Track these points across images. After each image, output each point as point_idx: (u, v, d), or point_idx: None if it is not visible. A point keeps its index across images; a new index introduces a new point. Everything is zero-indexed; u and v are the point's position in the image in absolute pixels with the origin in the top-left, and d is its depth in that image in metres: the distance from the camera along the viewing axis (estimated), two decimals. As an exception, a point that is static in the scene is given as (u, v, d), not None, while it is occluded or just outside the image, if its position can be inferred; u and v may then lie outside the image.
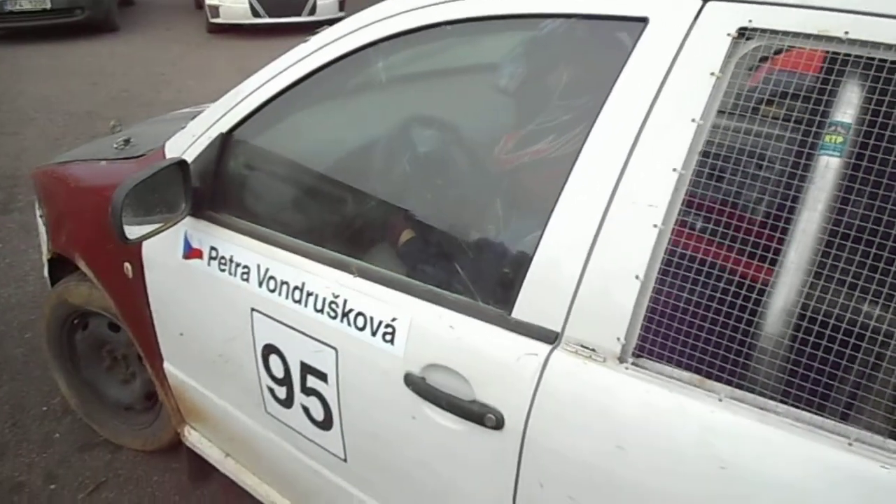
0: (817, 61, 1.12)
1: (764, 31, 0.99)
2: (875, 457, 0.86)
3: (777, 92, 1.48)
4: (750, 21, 1.00)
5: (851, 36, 0.92)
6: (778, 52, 1.52)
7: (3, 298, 3.32)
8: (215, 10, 9.91)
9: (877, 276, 0.91)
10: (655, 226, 1.01)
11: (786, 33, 0.97)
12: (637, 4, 1.09)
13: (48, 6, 9.38)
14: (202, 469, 2.09)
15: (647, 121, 1.04)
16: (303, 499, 1.71)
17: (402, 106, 1.62)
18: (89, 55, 8.80)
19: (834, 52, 0.98)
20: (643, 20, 1.08)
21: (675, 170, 1.00)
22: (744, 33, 1.00)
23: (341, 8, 10.26)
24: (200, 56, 8.89)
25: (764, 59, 1.68)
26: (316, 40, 1.46)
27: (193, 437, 2.00)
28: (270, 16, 9.96)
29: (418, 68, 1.53)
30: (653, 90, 1.04)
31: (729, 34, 1.01)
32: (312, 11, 10.06)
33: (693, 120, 1.00)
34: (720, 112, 1.01)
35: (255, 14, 9.93)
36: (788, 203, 1.03)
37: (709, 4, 1.04)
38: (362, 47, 1.38)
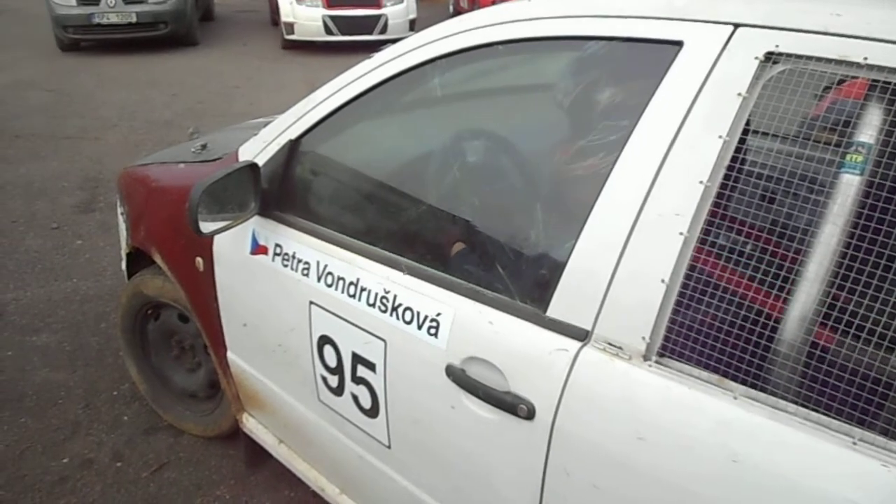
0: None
1: (790, 55, 1.06)
2: (877, 456, 0.92)
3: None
4: (777, 46, 1.07)
5: (870, 61, 0.99)
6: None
7: (82, 291, 3.55)
8: (290, 28, 10.26)
9: (886, 286, 0.97)
10: (681, 234, 1.08)
11: (809, 58, 1.04)
12: (673, 29, 1.18)
13: (134, 20, 9.86)
14: (257, 456, 2.23)
15: (678, 136, 1.12)
16: (349, 484, 1.81)
17: (454, 119, 1.72)
18: (170, 67, 9.22)
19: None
20: (678, 43, 1.16)
21: (701, 182, 1.08)
22: (770, 57, 1.08)
23: (411, 27, 10.49)
24: (274, 71, 9.21)
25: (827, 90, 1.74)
26: (378, 57, 1.59)
27: (251, 424, 2.14)
28: (343, 34, 10.25)
29: (471, 85, 1.64)
30: (684, 108, 1.12)
31: (757, 58, 1.08)
32: (384, 30, 10.32)
33: (720, 136, 1.08)
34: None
35: (329, 32, 10.23)
36: (809, 217, 1.09)
37: (739, 30, 1.11)
38: (420, 64, 1.50)
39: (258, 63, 9.66)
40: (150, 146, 5.68)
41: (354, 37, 10.20)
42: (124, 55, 9.84)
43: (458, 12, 12.69)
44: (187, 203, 1.58)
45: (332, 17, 10.16)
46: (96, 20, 9.69)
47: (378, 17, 10.33)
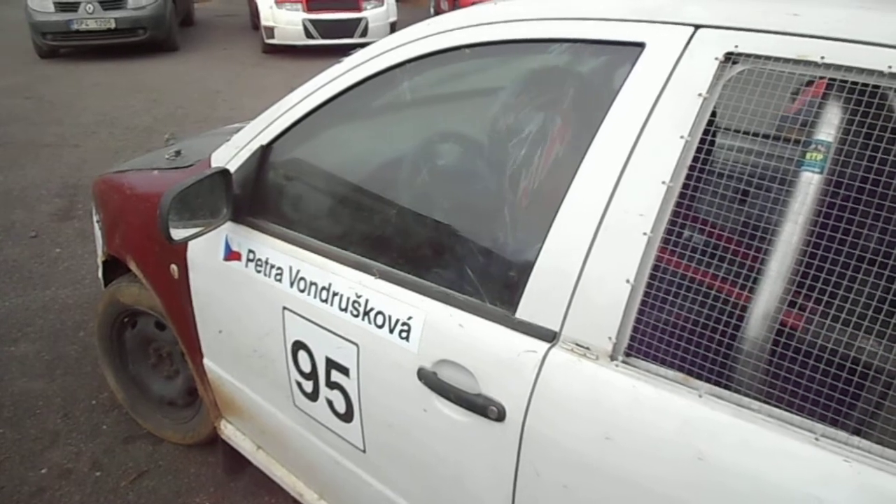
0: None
1: (749, 55, 1.07)
2: (839, 451, 0.92)
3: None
4: (736, 46, 1.08)
5: (827, 60, 1.00)
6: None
7: (61, 299, 3.52)
8: (270, 32, 10.21)
9: (845, 283, 0.98)
10: (645, 234, 1.09)
11: (768, 58, 1.05)
12: (635, 31, 1.19)
13: (113, 26, 9.76)
14: (236, 462, 2.22)
15: (641, 137, 1.12)
16: (326, 488, 1.81)
17: (424, 122, 1.72)
18: (150, 73, 9.15)
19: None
20: (640, 45, 1.17)
21: (664, 182, 1.09)
22: (730, 57, 1.09)
23: (392, 30, 10.47)
24: (255, 75, 9.17)
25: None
26: (348, 61, 1.59)
27: (229, 431, 2.13)
28: (323, 37, 10.21)
29: (439, 88, 1.64)
30: (647, 108, 1.13)
31: (717, 58, 1.09)
32: (364, 33, 10.29)
33: (682, 136, 1.09)
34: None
35: (309, 36, 10.19)
36: (770, 215, 1.10)
37: (700, 31, 1.12)
38: (388, 68, 1.50)
39: (239, 67, 9.62)
40: (130, 152, 5.62)
41: (335, 40, 10.15)
42: (104, 61, 9.76)
43: (438, 14, 12.66)
44: (158, 210, 1.57)
45: (313, 21, 10.13)
46: (75, 27, 9.59)
47: (358, 20, 10.31)
